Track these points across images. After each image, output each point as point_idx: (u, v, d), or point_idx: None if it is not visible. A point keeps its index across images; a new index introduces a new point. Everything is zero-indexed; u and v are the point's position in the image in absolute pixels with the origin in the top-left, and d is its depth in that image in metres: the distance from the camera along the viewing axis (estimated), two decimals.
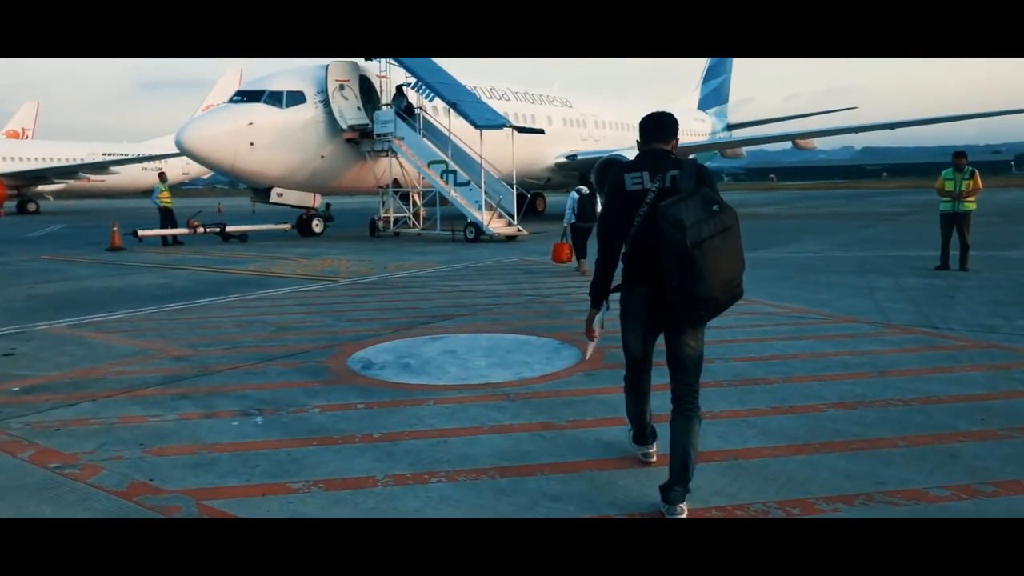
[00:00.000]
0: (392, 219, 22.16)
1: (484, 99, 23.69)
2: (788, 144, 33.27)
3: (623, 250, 3.51)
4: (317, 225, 22.27)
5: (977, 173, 11.43)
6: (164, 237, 19.68)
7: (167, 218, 20.04)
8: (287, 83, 20.71)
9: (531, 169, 26.93)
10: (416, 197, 22.35)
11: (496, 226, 19.31)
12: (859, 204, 37.44)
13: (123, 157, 46.84)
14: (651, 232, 3.26)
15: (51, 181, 44.35)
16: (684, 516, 3.37)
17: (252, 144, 19.67)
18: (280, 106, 20.29)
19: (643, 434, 3.93)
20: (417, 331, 7.45)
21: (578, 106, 30.40)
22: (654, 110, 3.75)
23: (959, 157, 11.52)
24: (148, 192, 58.23)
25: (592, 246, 6.76)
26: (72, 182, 44.98)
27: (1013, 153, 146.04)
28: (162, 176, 21.19)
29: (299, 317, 8.35)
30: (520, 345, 6.68)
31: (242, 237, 20.58)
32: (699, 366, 3.47)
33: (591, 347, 3.85)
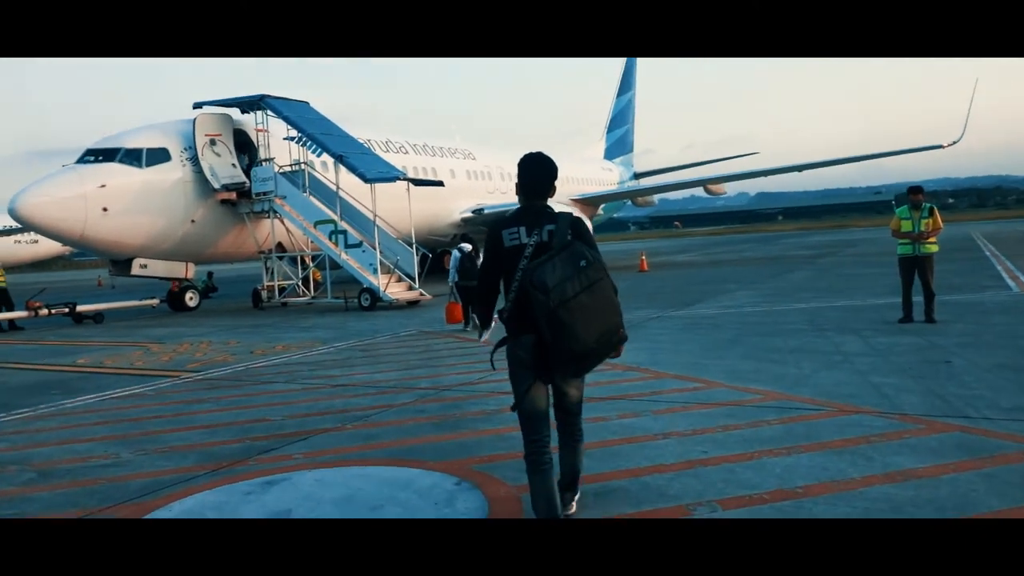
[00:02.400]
0: (277, 288, 19.56)
1: (379, 152, 21.63)
2: (688, 192, 32.60)
3: (503, 307, 3.53)
4: (191, 299, 19.50)
5: (936, 210, 9.98)
6: None
7: (0, 300, 16.89)
8: (147, 139, 18.12)
9: (435, 225, 24.90)
10: (308, 261, 19.87)
11: (395, 291, 17.05)
12: (768, 248, 37.03)
13: None
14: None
15: None
16: (572, 511, 3.82)
17: (105, 210, 16.91)
18: (139, 165, 17.65)
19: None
20: (249, 466, 5.10)
21: (482, 157, 28.75)
22: (531, 152, 3.66)
23: (915, 193, 10.04)
24: (22, 267, 53.61)
25: None
26: None
27: (892, 193, 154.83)
28: None
29: (83, 449, 5.85)
30: (396, 491, 4.42)
31: (96, 317, 17.60)
32: (581, 404, 3.77)
33: (483, 340, 4.04)
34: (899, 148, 28.86)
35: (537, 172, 3.58)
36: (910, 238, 9.93)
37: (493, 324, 3.83)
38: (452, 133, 29.82)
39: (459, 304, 12.45)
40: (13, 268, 50.65)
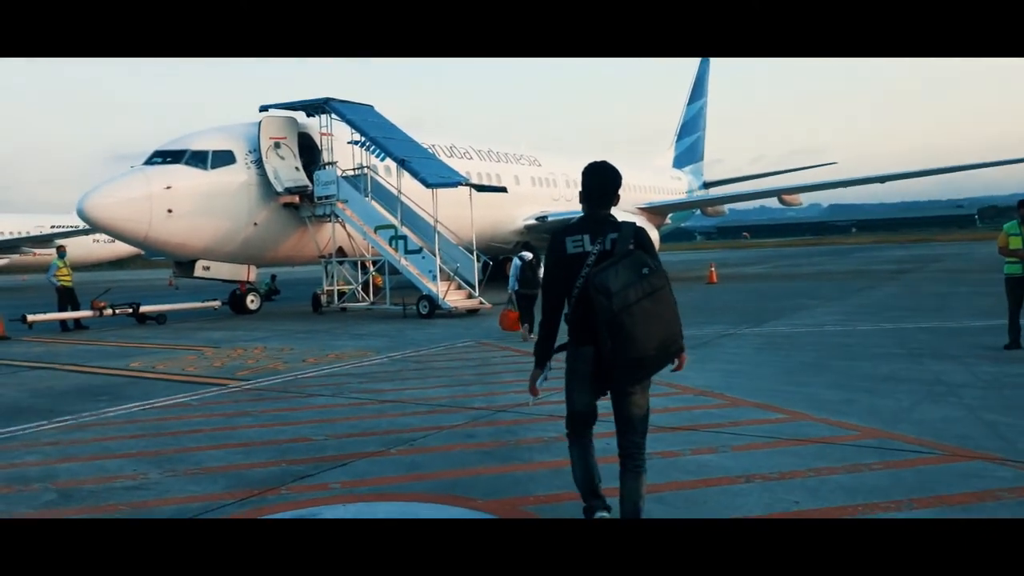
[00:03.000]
0: (337, 292, 19.37)
1: (443, 158, 21.28)
2: (758, 203, 31.42)
3: (567, 311, 3.56)
4: (252, 301, 19.42)
5: None
6: (63, 322, 16.73)
7: (66, 299, 17.08)
8: (213, 142, 18.13)
9: (497, 233, 24.43)
10: (368, 265, 19.63)
11: (454, 299, 16.62)
12: (844, 261, 35.42)
13: (72, 229, 44.00)
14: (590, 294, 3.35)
15: None
16: None
17: (170, 211, 16.95)
18: (204, 167, 17.66)
19: (596, 495, 3.65)
20: (281, 495, 4.64)
21: (547, 164, 28.19)
22: (596, 161, 3.70)
23: None
24: (101, 265, 55.42)
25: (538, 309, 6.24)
26: (16, 257, 42.04)
27: (975, 207, 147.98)
28: (60, 250, 18.29)
29: (114, 466, 5.49)
30: None
31: (159, 318, 17.65)
32: (645, 423, 3.58)
33: (532, 401, 4.18)
34: (980, 161, 27.08)
35: (601, 181, 3.61)
36: (1019, 256, 8.95)
37: (549, 371, 3.71)
38: (518, 139, 29.43)
39: (516, 312, 12.19)
40: (92, 267, 52.34)
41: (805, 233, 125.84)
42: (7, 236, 42.03)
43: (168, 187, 17.02)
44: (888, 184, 27.55)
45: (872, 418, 5.90)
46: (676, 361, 3.52)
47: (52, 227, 45.28)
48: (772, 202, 30.99)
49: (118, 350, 12.66)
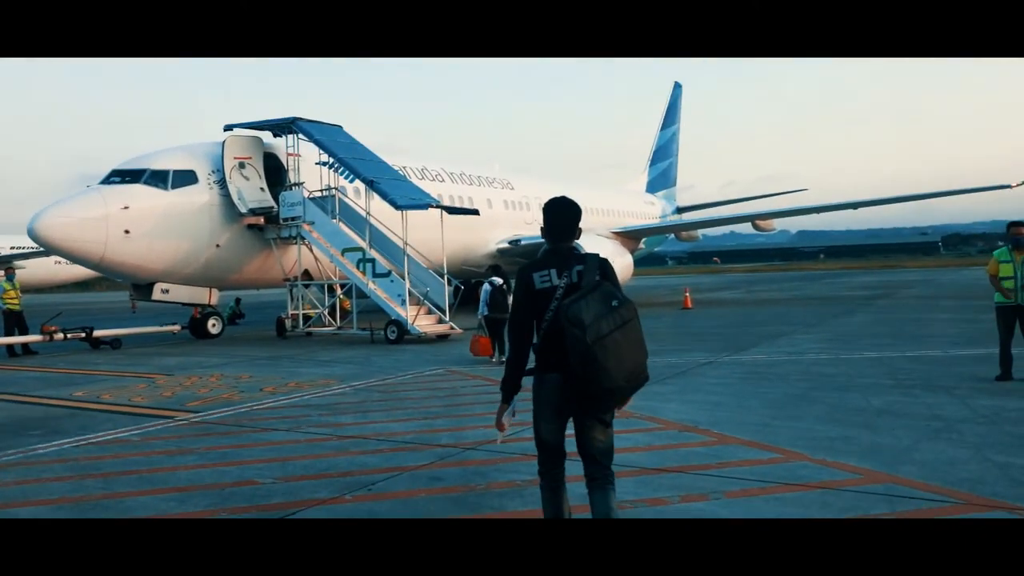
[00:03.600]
0: (303, 316, 18.67)
1: (415, 180, 20.79)
2: (728, 228, 31.28)
3: (535, 341, 3.57)
4: (213, 325, 18.62)
5: None
6: (10, 346, 15.86)
7: (13, 322, 16.24)
8: (174, 161, 17.45)
9: (470, 256, 23.92)
10: (336, 289, 18.98)
11: (423, 324, 16.03)
12: (816, 287, 35.37)
13: (34, 250, 42.61)
14: (560, 326, 3.37)
15: None
16: None
17: (127, 232, 16.21)
18: (164, 187, 16.97)
19: None
20: None
21: (520, 188, 27.83)
22: (556, 197, 3.76)
23: (1018, 227, 8.67)
24: (63, 287, 53.84)
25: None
26: None
27: (939, 234, 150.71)
28: (8, 272, 17.42)
29: (25, 514, 4.84)
30: None
31: (114, 343, 16.83)
32: (610, 455, 3.60)
33: (500, 438, 3.88)
34: (951, 188, 27.14)
35: (563, 216, 3.69)
36: (1008, 290, 8.58)
37: (512, 416, 3.68)
38: (491, 163, 29.05)
39: (487, 338, 12.22)
40: (54, 288, 50.66)
41: (774, 258, 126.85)
42: None
43: (125, 207, 16.31)
44: (856, 211, 27.69)
45: (873, 458, 5.44)
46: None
47: (12, 248, 43.89)
48: (742, 227, 30.94)
49: (64, 378, 11.89)
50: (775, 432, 6.34)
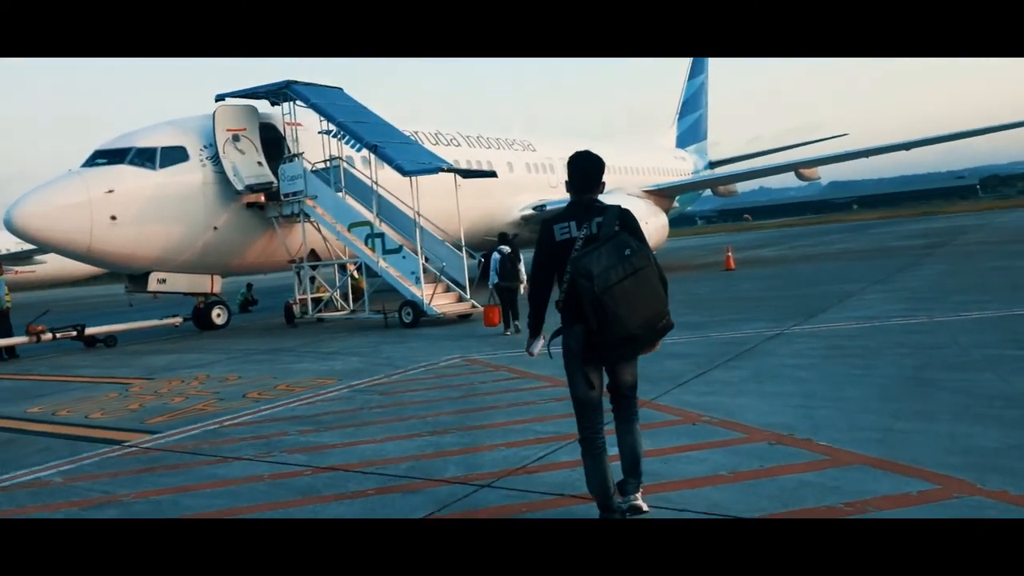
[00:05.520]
0: (312, 301, 17.13)
1: (428, 145, 19.01)
2: (756, 183, 28.99)
3: (558, 297, 3.66)
4: (219, 315, 17.21)
5: None
6: None
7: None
8: (162, 137, 15.90)
9: (493, 225, 22.08)
10: (350, 268, 17.37)
11: (442, 303, 14.40)
12: (862, 239, 33.12)
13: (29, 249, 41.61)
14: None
15: None
16: (639, 503, 3.69)
17: (114, 218, 14.75)
18: (152, 166, 15.44)
19: (609, 508, 3.61)
20: None
21: (543, 149, 25.95)
22: (579, 151, 3.81)
23: None
24: (83, 281, 53.14)
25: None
26: None
27: (976, 177, 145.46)
28: None
29: None
30: None
31: (108, 340, 15.47)
32: (634, 389, 3.75)
33: (538, 347, 3.91)
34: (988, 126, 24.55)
35: (586, 169, 3.72)
36: None
37: (541, 340, 3.88)
38: (509, 125, 27.20)
39: (498, 307, 12.19)
40: (71, 284, 49.92)
41: (806, 212, 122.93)
42: None
43: (110, 191, 14.82)
44: (886, 158, 25.94)
45: None
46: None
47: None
48: (771, 182, 28.80)
49: (32, 387, 10.47)
50: (907, 442, 4.58)
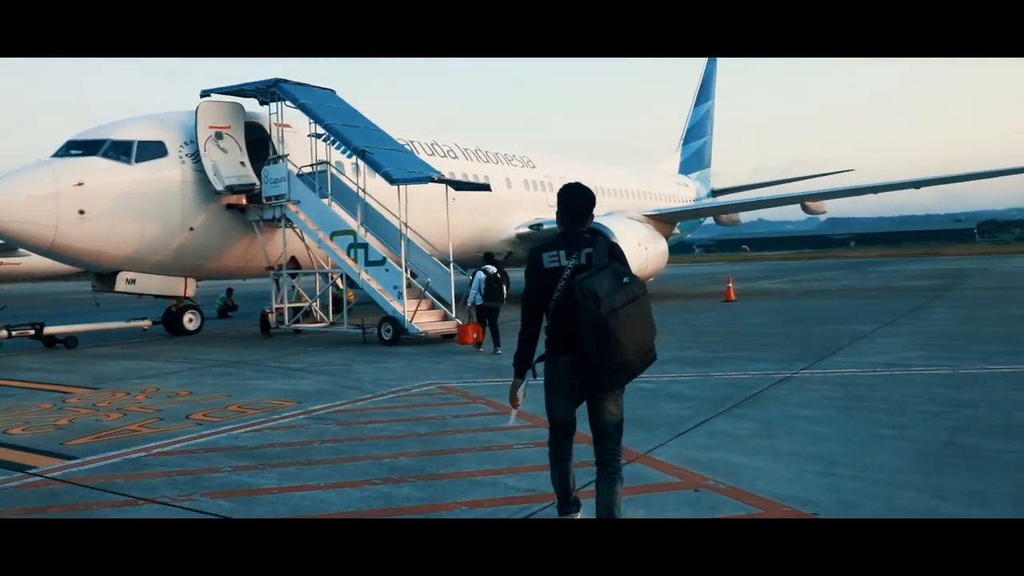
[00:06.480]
0: (288, 310, 16.19)
1: (423, 157, 18.19)
2: (755, 215, 28.25)
3: (544, 323, 3.70)
4: (191, 320, 16.24)
5: None
6: None
7: None
8: (139, 130, 15.02)
9: (486, 242, 21.27)
10: (336, 279, 16.40)
11: (424, 321, 13.50)
12: (865, 276, 32.39)
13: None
14: (568, 305, 3.49)
15: None
16: None
17: (82, 212, 13.84)
18: (128, 161, 14.55)
19: (567, 502, 3.81)
20: None
21: (542, 166, 25.09)
22: (570, 183, 3.90)
23: None
24: (74, 276, 52.04)
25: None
26: None
27: (974, 221, 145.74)
28: None
29: None
30: None
31: (68, 341, 14.52)
32: (620, 431, 3.65)
33: (514, 415, 3.89)
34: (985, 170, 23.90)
35: (576, 201, 3.80)
36: None
37: (523, 393, 3.78)
38: (508, 140, 26.43)
39: (477, 324, 12.10)
40: (61, 278, 48.85)
41: (804, 246, 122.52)
42: None
43: (79, 183, 13.91)
44: (884, 197, 25.34)
45: None
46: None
47: None
48: (768, 215, 28.01)
49: None
50: None
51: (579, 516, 3.82)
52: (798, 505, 4.13)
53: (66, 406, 8.14)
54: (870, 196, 24.54)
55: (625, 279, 3.43)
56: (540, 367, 3.72)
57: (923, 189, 23.95)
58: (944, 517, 3.94)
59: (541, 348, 3.73)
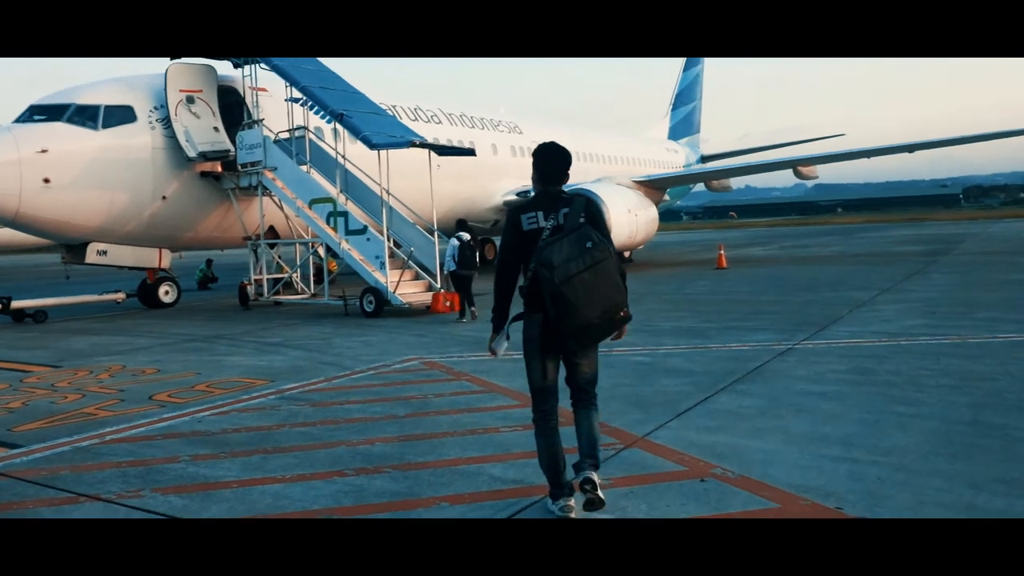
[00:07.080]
0: (267, 281, 15.62)
1: (407, 122, 17.53)
2: (743, 181, 27.75)
3: (521, 283, 3.69)
4: (167, 293, 15.65)
5: None
6: None
7: None
8: (106, 95, 14.31)
9: (472, 210, 20.72)
10: (319, 248, 15.76)
11: (408, 292, 12.98)
12: (855, 242, 32.01)
13: None
14: None
15: None
16: (593, 477, 3.58)
17: (47, 181, 13.19)
18: (94, 126, 13.87)
19: (558, 484, 3.65)
20: None
21: (530, 132, 24.47)
22: (546, 142, 3.84)
23: None
24: (41, 248, 50.91)
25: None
26: None
27: (960, 186, 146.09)
28: None
29: None
30: None
31: (37, 315, 13.94)
32: (594, 381, 3.77)
33: (503, 348, 3.85)
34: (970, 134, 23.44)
35: (552, 160, 3.76)
36: None
37: (506, 341, 3.82)
38: (495, 105, 25.74)
39: (453, 293, 12.18)
40: (23, 251, 47.86)
41: (791, 212, 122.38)
42: None
43: (43, 150, 13.24)
44: (870, 163, 25.19)
45: None
46: (618, 331, 3.66)
47: None
48: (754, 181, 27.50)
49: None
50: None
51: (572, 502, 3.63)
52: (819, 498, 3.69)
53: (22, 386, 7.61)
54: (856, 162, 24.13)
55: (589, 243, 3.42)
56: (516, 338, 3.72)
57: (910, 154, 23.58)
58: (980, 509, 3.51)
59: (517, 309, 3.74)
